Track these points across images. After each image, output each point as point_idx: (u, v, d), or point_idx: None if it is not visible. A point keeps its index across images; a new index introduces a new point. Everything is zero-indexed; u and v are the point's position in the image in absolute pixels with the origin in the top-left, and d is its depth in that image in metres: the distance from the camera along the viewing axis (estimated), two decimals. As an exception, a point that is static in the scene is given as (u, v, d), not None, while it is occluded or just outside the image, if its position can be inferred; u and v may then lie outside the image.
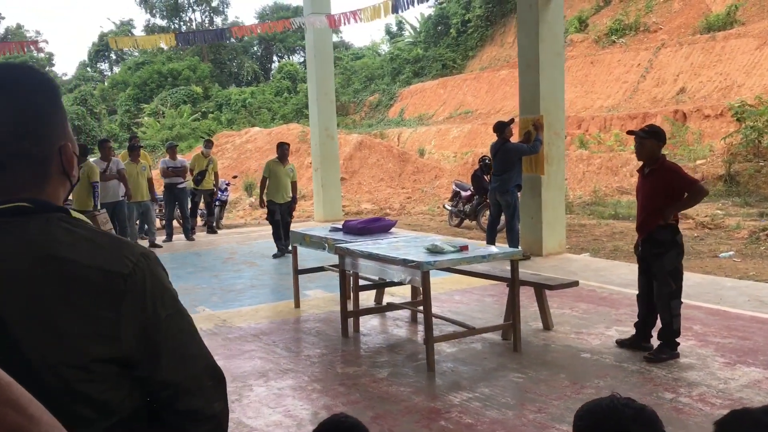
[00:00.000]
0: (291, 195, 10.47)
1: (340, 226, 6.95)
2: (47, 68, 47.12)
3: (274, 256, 10.22)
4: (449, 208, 14.14)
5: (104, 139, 12.03)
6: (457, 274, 6.72)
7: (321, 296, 7.70)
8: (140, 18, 64.92)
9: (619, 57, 25.35)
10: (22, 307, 1.07)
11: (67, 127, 1.25)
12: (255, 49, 50.07)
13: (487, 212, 10.73)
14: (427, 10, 39.55)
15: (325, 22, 13.33)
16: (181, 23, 48.63)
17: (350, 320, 6.21)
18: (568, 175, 16.17)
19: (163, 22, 48.33)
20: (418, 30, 39.48)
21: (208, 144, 13.48)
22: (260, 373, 5.22)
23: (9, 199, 1.15)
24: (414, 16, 43.88)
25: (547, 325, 6.05)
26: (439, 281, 7.73)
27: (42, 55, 46.25)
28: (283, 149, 10.37)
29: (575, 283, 6.13)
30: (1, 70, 1.20)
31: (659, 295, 5.17)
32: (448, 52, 35.49)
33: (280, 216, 10.25)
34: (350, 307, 6.37)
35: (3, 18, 52.37)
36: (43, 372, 1.07)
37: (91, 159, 10.92)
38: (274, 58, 50.89)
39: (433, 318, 5.30)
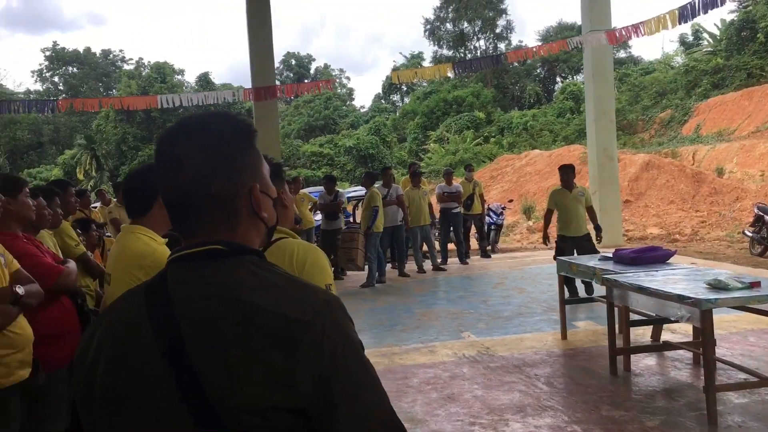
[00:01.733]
0: (594, 224, 8.86)
1: (611, 255, 6.47)
2: (347, 102, 52.07)
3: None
4: (750, 234, 12.48)
5: (386, 167, 12.83)
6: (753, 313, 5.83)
7: (591, 329, 7.23)
8: (429, 50, 68.67)
9: None
10: (207, 349, 1.09)
11: (259, 169, 1.29)
12: (538, 71, 49.89)
13: (797, 240, 9.21)
14: (728, 15, 35.89)
15: (603, 40, 12.70)
16: (466, 52, 50.36)
17: (620, 358, 5.71)
18: None
19: (449, 52, 50.51)
20: (718, 38, 35.93)
21: (469, 169, 13.67)
22: (518, 407, 5.01)
23: (204, 241, 1.20)
24: (713, 23, 39.88)
25: None
26: (731, 319, 6.80)
27: (343, 90, 51.31)
28: (563, 173, 8.70)
29: None
30: (195, 119, 1.28)
31: None
32: (754, 59, 31.67)
33: (574, 254, 8.20)
34: (620, 343, 5.86)
35: (314, 60, 58.98)
36: (225, 417, 1.07)
37: (376, 185, 11.68)
38: (557, 79, 50.18)
39: (719, 362, 4.63)
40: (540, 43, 43.51)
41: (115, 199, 10.70)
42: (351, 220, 15.96)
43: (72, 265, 3.58)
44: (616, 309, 5.89)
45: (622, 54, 45.65)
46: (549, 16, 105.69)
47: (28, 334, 3.01)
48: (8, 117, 36.37)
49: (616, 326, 5.92)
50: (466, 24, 50.41)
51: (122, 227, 2.93)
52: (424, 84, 46.98)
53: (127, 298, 1.26)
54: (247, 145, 1.27)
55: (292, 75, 55.90)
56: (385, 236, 11.48)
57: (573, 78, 47.05)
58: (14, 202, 3.34)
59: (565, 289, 7.48)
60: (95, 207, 11.43)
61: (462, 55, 49.40)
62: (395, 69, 46.33)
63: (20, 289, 2.97)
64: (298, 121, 47.52)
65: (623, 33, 12.46)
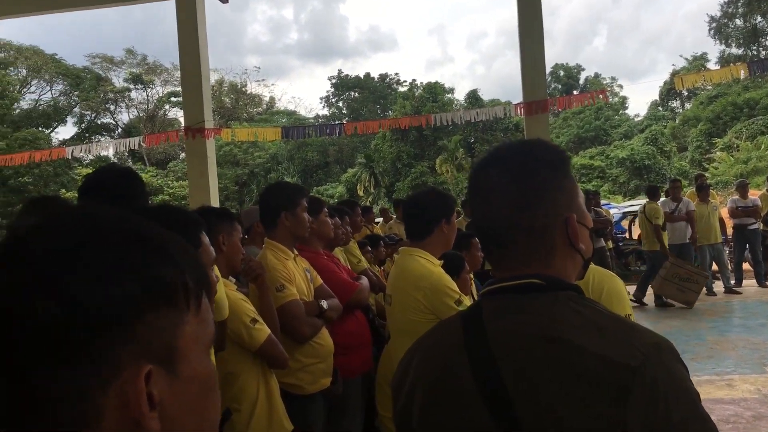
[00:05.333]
0: None
1: None
2: (620, 112, 49.61)
3: None
4: None
5: (674, 179, 11.93)
6: None
7: None
8: (713, 50, 62.60)
9: None
10: (525, 391, 1.04)
11: (574, 199, 1.22)
12: None
13: None
14: None
15: None
16: (760, 49, 45.14)
17: None
18: None
19: (739, 51, 45.68)
20: None
21: None
22: None
23: (518, 274, 1.16)
24: None
25: None
26: None
27: (615, 99, 49.05)
28: None
29: None
30: (506, 148, 1.25)
31: None
32: None
33: None
34: None
35: (583, 69, 57.22)
36: None
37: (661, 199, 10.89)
38: None
39: None
40: None
41: (394, 216, 11.32)
42: (627, 236, 15.14)
43: (365, 281, 3.81)
44: None
45: None
46: None
47: (330, 345, 3.24)
48: (301, 140, 40.75)
49: None
50: (759, 18, 45.19)
51: (401, 250, 3.05)
52: (709, 87, 43.00)
53: (442, 330, 1.26)
54: (561, 174, 1.21)
55: (560, 87, 54.78)
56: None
57: None
58: (316, 221, 3.64)
59: None
60: (377, 222, 12.21)
61: (755, 52, 44.37)
62: (675, 73, 43.18)
63: (324, 304, 3.22)
64: (567, 133, 46.39)
65: None
